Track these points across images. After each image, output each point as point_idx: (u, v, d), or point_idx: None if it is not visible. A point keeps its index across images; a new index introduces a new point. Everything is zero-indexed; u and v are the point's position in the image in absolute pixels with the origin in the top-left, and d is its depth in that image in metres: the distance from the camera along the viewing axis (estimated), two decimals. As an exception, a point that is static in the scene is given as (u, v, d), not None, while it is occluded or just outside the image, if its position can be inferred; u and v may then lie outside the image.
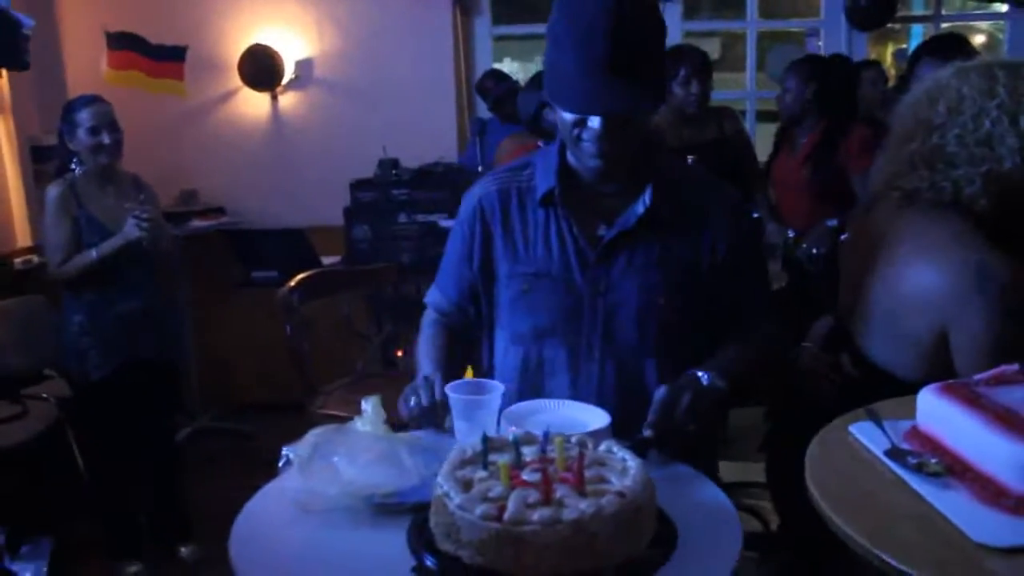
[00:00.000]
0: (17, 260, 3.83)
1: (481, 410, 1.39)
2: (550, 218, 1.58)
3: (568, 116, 1.46)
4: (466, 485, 1.10)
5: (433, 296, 1.75)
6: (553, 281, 1.57)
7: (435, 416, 1.43)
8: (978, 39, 6.47)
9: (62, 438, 3.29)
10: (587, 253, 1.56)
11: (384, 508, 1.17)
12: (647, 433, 1.35)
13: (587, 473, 1.11)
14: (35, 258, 3.81)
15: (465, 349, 1.71)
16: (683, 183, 1.60)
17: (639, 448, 1.31)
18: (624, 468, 1.14)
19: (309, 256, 3.78)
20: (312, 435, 1.22)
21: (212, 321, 4.38)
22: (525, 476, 1.09)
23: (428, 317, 1.75)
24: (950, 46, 2.74)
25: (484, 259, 1.64)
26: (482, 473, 1.12)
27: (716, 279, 1.59)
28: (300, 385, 3.00)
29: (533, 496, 1.05)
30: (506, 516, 1.02)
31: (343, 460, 1.19)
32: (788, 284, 2.65)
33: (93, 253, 2.81)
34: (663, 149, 1.63)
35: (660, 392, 1.39)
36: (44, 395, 3.27)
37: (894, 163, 1.61)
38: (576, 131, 1.46)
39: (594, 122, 1.43)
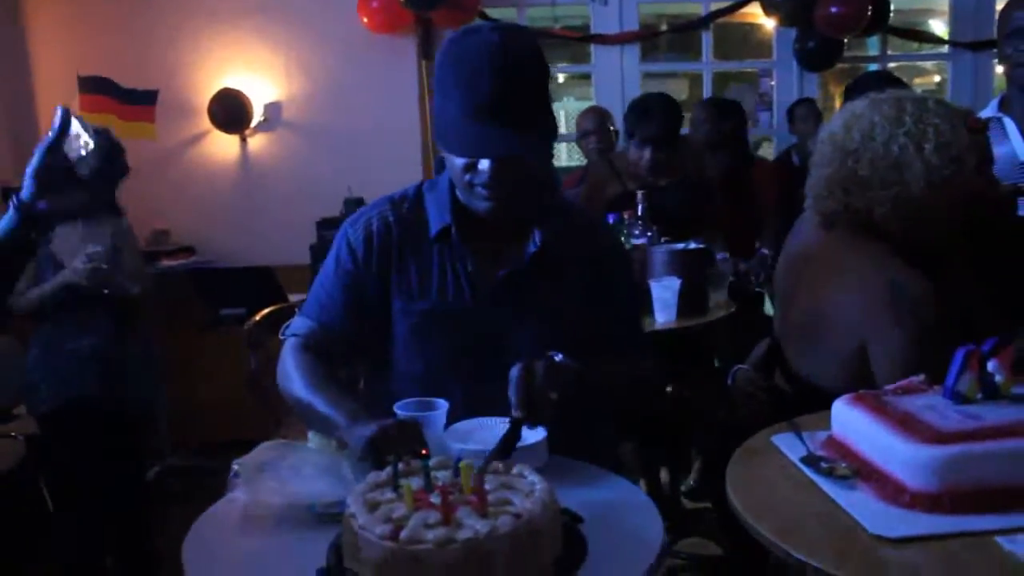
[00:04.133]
0: (-15, 301, 3.86)
1: (427, 428, 1.43)
2: (444, 256, 1.58)
3: (458, 160, 1.47)
4: (372, 506, 1.13)
5: (303, 326, 1.62)
6: (447, 319, 1.57)
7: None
8: (935, 78, 6.71)
9: (31, 477, 3.31)
10: (481, 292, 1.57)
11: (325, 517, 1.23)
12: (515, 414, 1.35)
13: (491, 496, 1.14)
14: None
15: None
16: (570, 219, 1.64)
17: (512, 429, 1.34)
18: (531, 491, 1.16)
19: (276, 293, 3.84)
20: (260, 449, 1.29)
21: (181, 360, 4.41)
22: (433, 499, 1.12)
23: (294, 348, 1.60)
24: (877, 81, 2.89)
25: (379, 291, 1.60)
26: (390, 495, 1.15)
27: (597, 314, 1.63)
28: (265, 420, 3.04)
29: (434, 517, 1.08)
30: (402, 535, 1.05)
31: (288, 472, 1.25)
32: (736, 311, 2.76)
33: (34, 292, 2.85)
34: (554, 188, 1.67)
35: (514, 370, 1.38)
36: (12, 433, 3.30)
37: (814, 188, 1.73)
38: (467, 176, 1.48)
39: (483, 165, 1.45)
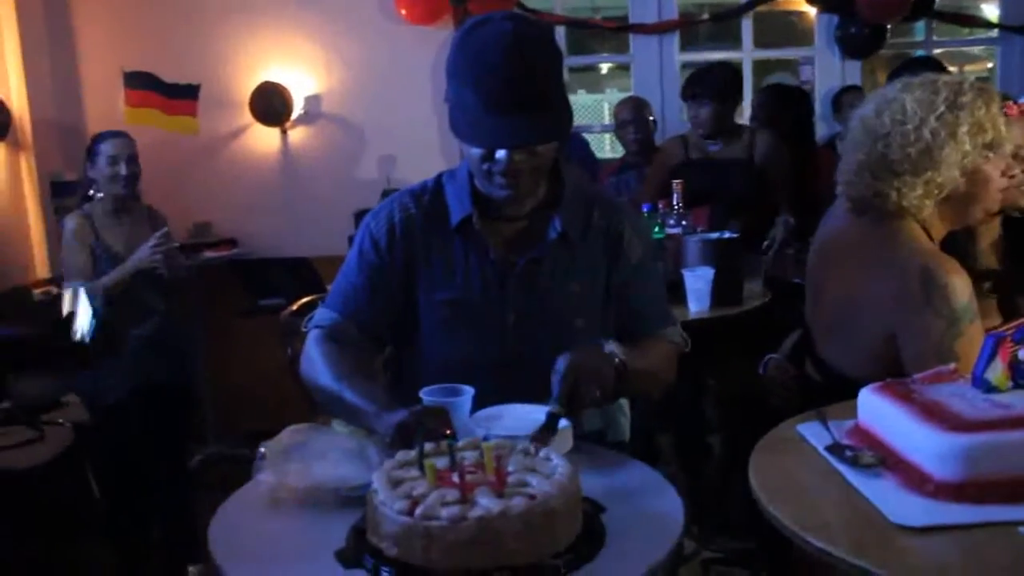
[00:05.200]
0: (36, 291, 3.97)
1: (453, 414, 1.45)
2: (466, 245, 1.59)
3: (475, 151, 1.48)
4: (395, 483, 1.16)
5: (327, 317, 1.64)
6: (473, 308, 1.59)
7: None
8: (987, 64, 6.53)
9: (78, 462, 3.39)
10: (504, 279, 1.59)
11: (351, 501, 1.26)
12: (554, 408, 1.37)
13: (511, 477, 1.16)
14: (54, 289, 3.95)
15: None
16: (592, 205, 1.64)
17: (549, 422, 1.35)
18: (551, 474, 1.17)
19: (314, 283, 3.89)
20: (287, 432, 1.32)
21: (222, 350, 4.50)
22: (455, 478, 1.14)
23: (318, 340, 1.61)
24: (919, 66, 2.84)
25: (403, 282, 1.61)
26: (415, 473, 1.18)
27: (621, 294, 1.64)
28: (303, 408, 3.09)
29: (452, 495, 1.11)
30: (417, 511, 1.08)
31: (314, 456, 1.28)
32: (771, 300, 2.73)
33: (104, 280, 2.94)
34: (571, 171, 1.65)
35: (561, 361, 1.40)
36: (60, 420, 3.38)
37: (845, 173, 1.70)
38: (485, 165, 1.49)
39: (500, 154, 1.45)
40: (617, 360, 1.45)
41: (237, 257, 4.46)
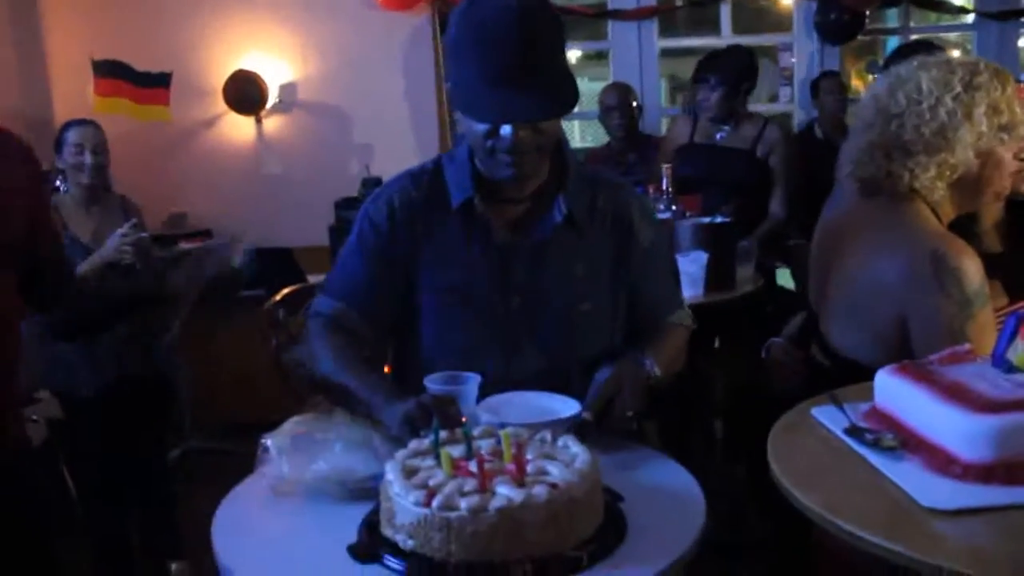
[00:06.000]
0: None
1: (459, 402, 1.42)
2: (468, 228, 1.56)
3: (479, 128, 1.44)
4: (410, 473, 1.12)
5: (328, 305, 1.61)
6: (476, 291, 1.55)
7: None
8: (954, 53, 6.59)
9: (53, 460, 3.31)
10: (508, 263, 1.55)
11: (357, 493, 1.21)
12: (586, 415, 1.37)
13: (530, 466, 1.13)
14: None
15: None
16: (596, 187, 1.61)
17: (580, 432, 1.33)
18: (571, 462, 1.15)
19: (296, 274, 3.83)
20: (290, 423, 1.27)
21: (200, 341, 4.41)
22: (472, 467, 1.11)
23: (321, 328, 1.59)
24: (921, 49, 2.83)
25: (404, 266, 1.58)
26: (430, 462, 1.14)
27: (633, 279, 1.62)
28: (287, 400, 3.03)
29: (470, 485, 1.08)
30: (435, 502, 1.04)
31: (319, 447, 1.23)
32: (762, 286, 2.72)
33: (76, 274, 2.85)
34: (572, 154, 1.62)
35: (602, 375, 1.40)
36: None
37: (854, 153, 1.67)
38: (489, 142, 1.45)
39: (505, 131, 1.42)
40: (652, 379, 1.46)
41: (213, 248, 4.36)
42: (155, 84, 4.26)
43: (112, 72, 4.21)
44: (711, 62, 3.45)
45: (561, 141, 1.58)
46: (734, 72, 3.39)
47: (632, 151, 3.84)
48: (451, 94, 1.47)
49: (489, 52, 1.38)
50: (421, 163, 1.66)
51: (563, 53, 1.47)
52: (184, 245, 4.29)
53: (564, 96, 1.44)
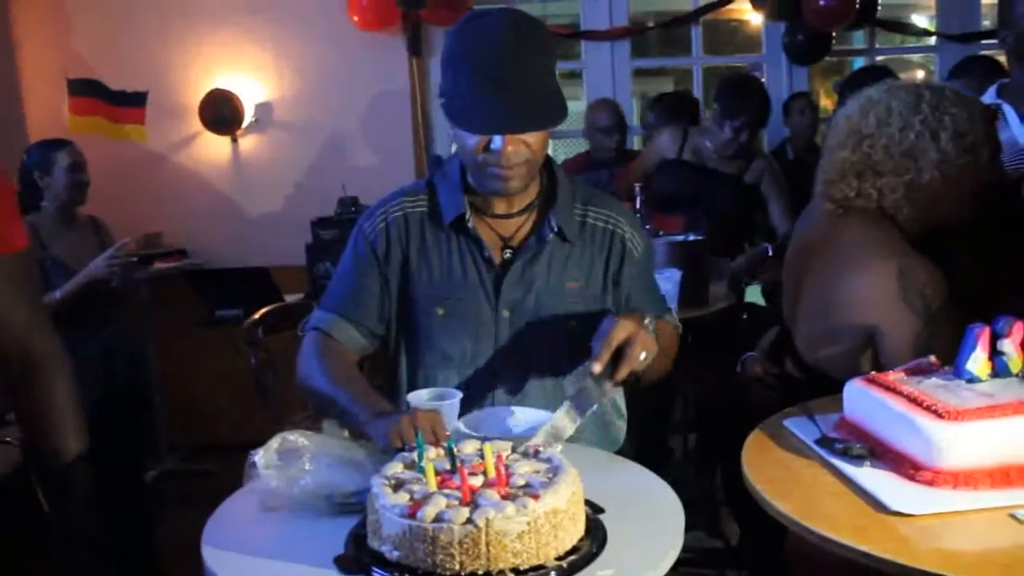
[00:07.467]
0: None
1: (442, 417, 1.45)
2: (461, 243, 1.60)
3: (471, 140, 1.48)
4: (395, 486, 1.14)
5: (323, 319, 1.64)
6: (467, 305, 1.59)
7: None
8: (919, 74, 6.75)
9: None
10: (500, 277, 1.59)
11: (344, 508, 1.23)
12: (596, 368, 1.36)
13: (512, 479, 1.15)
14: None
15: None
16: (587, 203, 1.65)
17: (595, 380, 1.36)
18: (553, 475, 1.17)
19: (272, 293, 3.83)
20: (278, 439, 1.29)
21: (177, 362, 4.40)
22: (456, 480, 1.13)
23: (316, 341, 1.62)
24: (877, 74, 2.91)
25: (399, 281, 1.62)
26: (415, 475, 1.17)
27: (627, 291, 1.65)
28: (264, 420, 3.03)
29: (454, 497, 1.10)
30: (419, 513, 1.06)
31: (306, 463, 1.25)
32: (735, 303, 2.78)
33: (56, 294, 2.85)
34: (562, 171, 1.67)
35: (607, 323, 1.38)
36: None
37: (828, 171, 1.73)
38: (480, 156, 1.49)
39: (497, 144, 1.46)
40: (652, 331, 1.43)
41: (189, 267, 4.36)
42: (131, 103, 4.27)
43: (87, 91, 4.21)
44: (743, 103, 3.22)
45: (550, 159, 1.63)
46: (764, 114, 3.32)
47: (618, 165, 3.83)
48: (445, 107, 1.51)
49: (482, 58, 1.44)
50: (414, 182, 1.72)
51: (553, 70, 1.52)
52: (159, 265, 4.28)
53: (553, 110, 1.49)
